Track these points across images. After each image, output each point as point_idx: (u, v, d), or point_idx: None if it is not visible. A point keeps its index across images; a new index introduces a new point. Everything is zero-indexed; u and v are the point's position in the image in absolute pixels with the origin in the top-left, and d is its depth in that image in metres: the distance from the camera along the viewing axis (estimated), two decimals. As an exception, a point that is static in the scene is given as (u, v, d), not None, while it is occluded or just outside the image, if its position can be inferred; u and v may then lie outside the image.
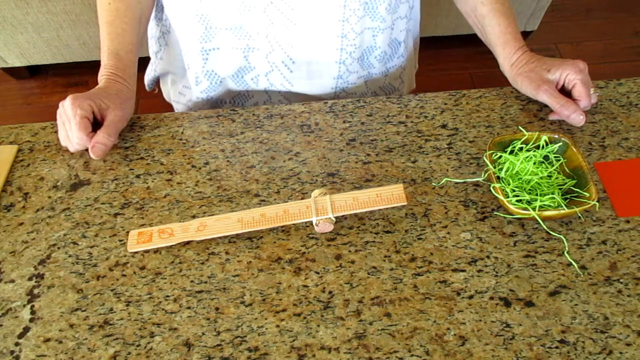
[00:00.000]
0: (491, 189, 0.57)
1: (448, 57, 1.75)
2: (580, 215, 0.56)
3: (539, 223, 0.55)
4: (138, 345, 0.48)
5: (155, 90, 0.87)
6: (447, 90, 0.70)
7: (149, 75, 0.84)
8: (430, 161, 0.62)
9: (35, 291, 0.52)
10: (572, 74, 0.64)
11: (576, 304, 0.50)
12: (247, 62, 0.70)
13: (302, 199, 0.58)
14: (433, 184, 0.60)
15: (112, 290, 0.52)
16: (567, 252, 0.54)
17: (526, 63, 0.67)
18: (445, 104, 0.68)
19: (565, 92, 0.65)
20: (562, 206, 0.53)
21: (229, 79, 0.73)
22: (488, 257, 0.54)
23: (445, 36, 1.66)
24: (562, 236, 0.55)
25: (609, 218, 0.57)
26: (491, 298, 0.51)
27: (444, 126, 0.66)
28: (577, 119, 0.63)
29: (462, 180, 0.60)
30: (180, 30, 0.72)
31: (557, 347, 0.48)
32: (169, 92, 0.87)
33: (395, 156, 0.62)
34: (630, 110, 0.67)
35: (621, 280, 0.52)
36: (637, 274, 0.52)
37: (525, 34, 1.72)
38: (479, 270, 0.53)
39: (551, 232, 0.55)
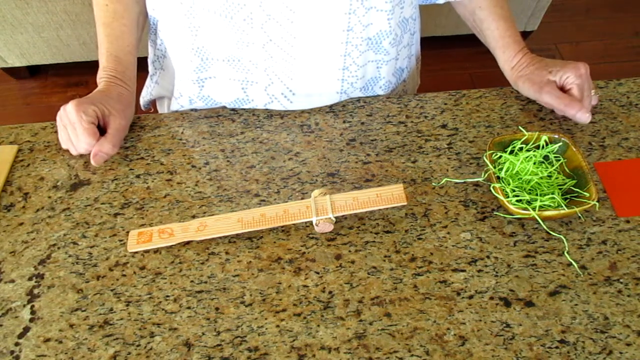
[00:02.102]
0: (491, 189, 0.57)
1: (448, 57, 1.75)
2: (580, 215, 0.56)
3: (538, 223, 0.55)
4: (138, 345, 0.48)
5: (151, 109, 0.86)
6: (447, 90, 0.70)
7: (144, 98, 0.83)
8: (430, 161, 0.62)
9: (35, 291, 0.52)
10: (572, 77, 0.64)
11: (576, 304, 0.50)
12: (245, 95, 0.68)
13: (302, 199, 0.58)
14: (433, 184, 0.60)
15: (112, 290, 0.52)
16: (567, 252, 0.54)
17: (527, 66, 0.67)
18: (445, 104, 0.68)
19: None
20: (562, 206, 0.53)
21: (226, 105, 0.71)
22: (488, 257, 0.54)
23: (445, 36, 1.66)
24: (562, 236, 0.55)
25: (609, 218, 0.57)
26: (491, 298, 0.51)
27: (444, 126, 0.66)
28: (583, 117, 0.62)
29: (462, 181, 0.60)
30: (175, 61, 0.70)
31: (557, 347, 0.48)
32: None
33: (395, 156, 0.62)
34: (630, 110, 0.67)
35: (621, 280, 0.52)
36: (637, 274, 0.52)
37: (525, 34, 1.72)
38: (479, 270, 0.53)
39: (551, 232, 0.55)
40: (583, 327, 0.49)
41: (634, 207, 0.57)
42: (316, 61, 0.64)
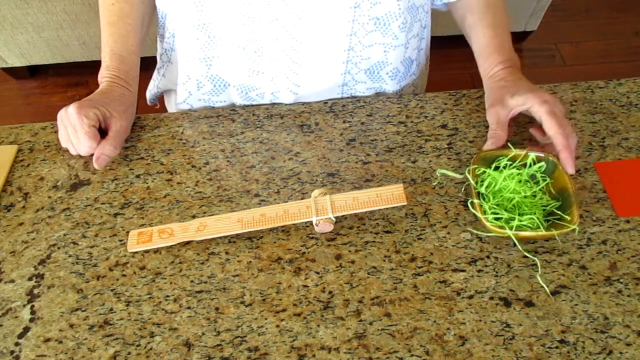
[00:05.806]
0: (468, 204, 0.57)
1: (448, 57, 1.75)
2: (557, 238, 0.54)
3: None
4: (138, 345, 0.48)
5: (156, 105, 0.86)
6: (447, 90, 0.70)
7: (151, 91, 0.83)
8: (430, 161, 0.62)
9: (35, 291, 0.52)
10: (535, 105, 0.58)
11: (576, 304, 0.50)
12: (251, 82, 0.69)
13: (302, 199, 0.58)
14: (433, 184, 0.60)
15: (112, 290, 0.52)
16: (540, 275, 0.52)
17: (499, 80, 0.64)
18: (445, 104, 0.68)
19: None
20: (539, 227, 0.53)
21: (234, 89, 0.71)
22: (488, 257, 0.54)
23: (446, 36, 1.66)
24: (536, 258, 0.53)
25: (609, 218, 0.57)
26: (491, 298, 0.51)
27: (444, 126, 0.66)
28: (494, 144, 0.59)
29: (459, 175, 0.60)
30: (182, 41, 0.70)
31: (557, 347, 0.48)
32: (173, 110, 0.86)
33: (395, 156, 0.62)
34: (630, 110, 0.67)
35: (621, 280, 0.52)
36: (637, 274, 0.52)
37: (525, 34, 1.72)
38: (479, 270, 0.53)
39: (527, 254, 0.53)
40: (583, 327, 0.49)
41: (634, 207, 0.57)
42: (322, 42, 0.64)
